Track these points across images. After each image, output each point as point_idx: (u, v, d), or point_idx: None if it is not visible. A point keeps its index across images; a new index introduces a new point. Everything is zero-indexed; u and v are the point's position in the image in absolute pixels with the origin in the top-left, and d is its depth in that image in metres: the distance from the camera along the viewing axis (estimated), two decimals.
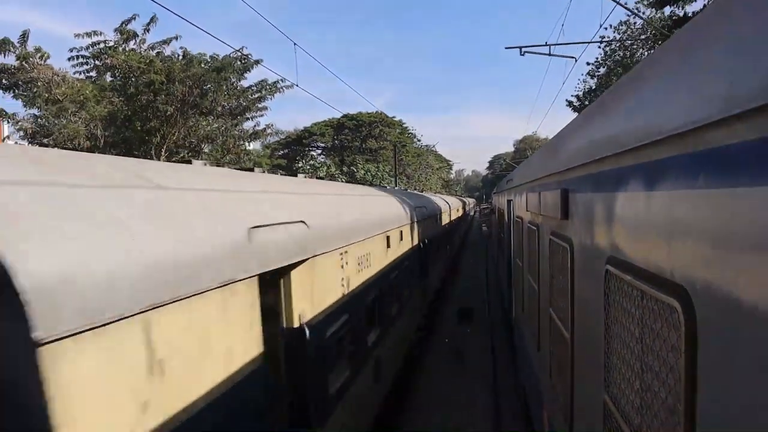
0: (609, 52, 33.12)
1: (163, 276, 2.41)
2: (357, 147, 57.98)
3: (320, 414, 4.80)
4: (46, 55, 23.87)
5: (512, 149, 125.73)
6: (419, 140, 71.13)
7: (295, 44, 15.89)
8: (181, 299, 2.53)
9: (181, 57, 26.53)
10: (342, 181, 29.29)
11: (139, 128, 25.22)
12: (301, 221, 4.39)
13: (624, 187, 2.37)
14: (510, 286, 12.50)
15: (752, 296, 1.28)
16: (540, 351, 5.95)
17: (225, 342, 3.01)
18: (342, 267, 5.79)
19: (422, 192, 33.73)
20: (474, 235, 54.21)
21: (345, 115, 54.11)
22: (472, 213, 72.16)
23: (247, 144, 31.62)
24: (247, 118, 29.50)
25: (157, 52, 26.34)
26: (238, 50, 24.35)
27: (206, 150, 28.11)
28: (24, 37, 23.10)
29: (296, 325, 4.26)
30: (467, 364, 12.71)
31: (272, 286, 4.05)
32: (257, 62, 26.12)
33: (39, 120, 23.13)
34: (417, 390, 11.42)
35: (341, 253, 5.71)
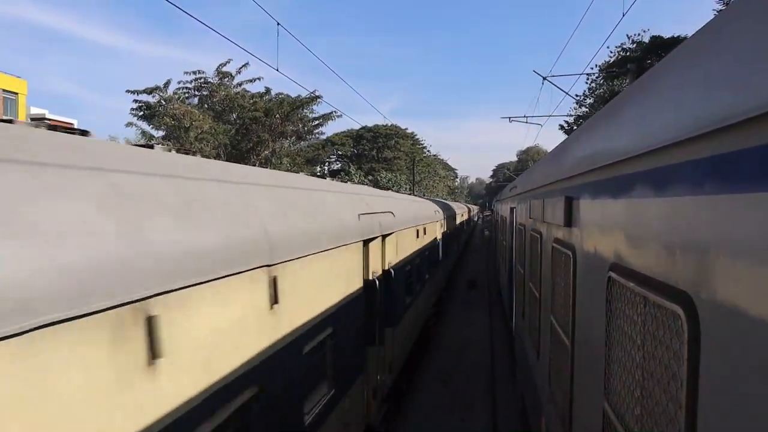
0: (595, 87, 40.60)
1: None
2: (373, 156, 64.82)
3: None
4: (182, 97, 37.04)
5: (515, 159, 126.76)
6: (428, 150, 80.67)
7: (294, 40, 19.53)
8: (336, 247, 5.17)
9: (264, 91, 39.33)
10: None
11: (243, 149, 37.03)
12: (390, 212, 8.81)
13: (628, 195, 2.36)
14: (511, 293, 12.47)
15: (756, 303, 1.28)
16: (540, 359, 5.93)
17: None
18: (417, 235, 11.84)
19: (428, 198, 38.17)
20: (477, 237, 61.90)
21: (363, 127, 60.82)
22: (476, 219, 75.29)
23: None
24: (308, 139, 43.42)
25: (261, 94, 39.13)
26: (313, 92, 37.07)
27: (275, 163, 39.40)
28: (166, 84, 36.01)
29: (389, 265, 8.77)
30: (473, 302, 22.11)
31: (374, 245, 7.60)
32: (320, 98, 38.28)
33: (185, 145, 32.75)
34: (451, 301, 22.36)
35: (416, 228, 11.53)
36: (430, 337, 15.53)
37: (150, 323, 2.17)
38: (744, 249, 1.34)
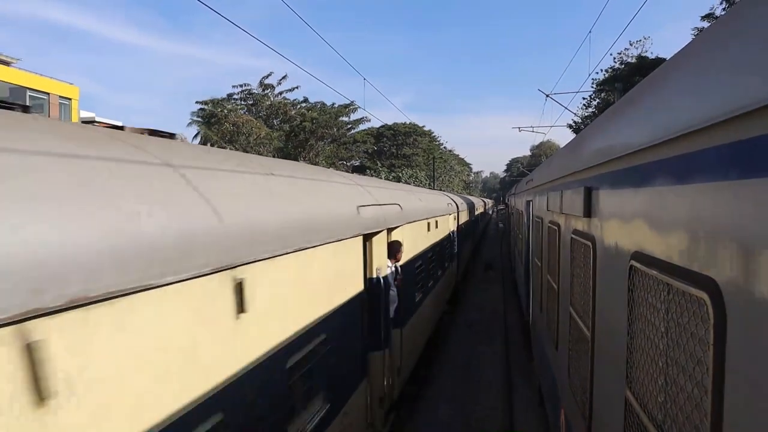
0: (599, 90, 44.29)
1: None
2: (393, 153, 68.83)
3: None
4: (242, 109, 45.64)
5: (529, 154, 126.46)
6: (444, 146, 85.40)
7: (365, 79, 23.45)
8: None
9: (303, 99, 48.84)
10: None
11: (291, 152, 43.64)
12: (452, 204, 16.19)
13: (651, 182, 2.35)
14: (528, 287, 12.42)
15: None
16: (558, 351, 5.92)
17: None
18: (455, 219, 17.51)
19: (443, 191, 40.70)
20: (491, 229, 66.23)
21: (383, 125, 64.93)
22: (490, 212, 77.23)
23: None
24: (341, 141, 49.68)
25: (299, 102, 48.13)
26: (351, 102, 43.83)
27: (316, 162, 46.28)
28: (230, 95, 46.47)
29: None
30: (490, 280, 26.52)
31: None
32: (357, 107, 46.05)
33: (244, 147, 39.49)
34: (473, 278, 26.53)
35: (454, 215, 16.62)
36: (459, 299, 20.90)
37: None
38: None
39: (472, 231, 29.40)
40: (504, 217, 51.47)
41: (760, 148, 1.39)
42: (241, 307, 2.71)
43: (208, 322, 2.46)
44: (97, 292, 1.73)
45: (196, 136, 44.58)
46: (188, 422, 2.26)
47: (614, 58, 42.95)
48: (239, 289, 2.69)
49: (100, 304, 1.76)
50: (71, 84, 43.05)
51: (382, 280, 6.54)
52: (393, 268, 7.67)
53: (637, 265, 2.47)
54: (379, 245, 6.61)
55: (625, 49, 42.74)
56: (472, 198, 38.85)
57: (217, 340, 2.53)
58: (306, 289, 3.82)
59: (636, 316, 2.58)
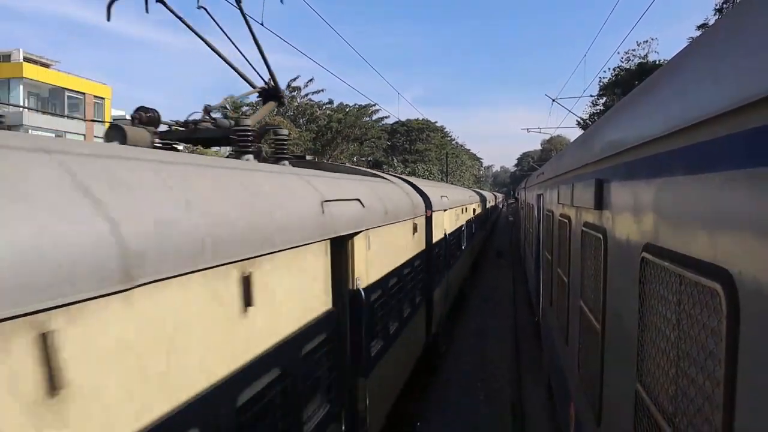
0: (608, 86, 46.10)
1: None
2: (406, 148, 71.03)
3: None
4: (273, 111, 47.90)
5: (539, 148, 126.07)
6: (456, 141, 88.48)
7: (399, 93, 29.35)
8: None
9: (326, 102, 51.84)
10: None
11: (319, 151, 46.99)
12: (478, 195, 29.27)
13: (663, 173, 2.32)
14: (538, 281, 12.37)
15: None
16: (568, 345, 5.89)
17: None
18: (482, 204, 30.06)
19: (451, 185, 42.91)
20: (502, 221, 69.37)
21: (397, 122, 66.49)
22: (500, 206, 78.88)
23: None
24: (362, 140, 54.09)
25: (325, 104, 51.52)
26: (374, 103, 48.98)
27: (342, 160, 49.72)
28: (259, 96, 48.16)
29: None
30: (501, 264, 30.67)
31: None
32: (378, 109, 52.47)
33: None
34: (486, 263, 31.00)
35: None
36: (475, 275, 25.54)
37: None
38: None
39: (487, 217, 38.91)
40: (514, 212, 53.66)
41: None
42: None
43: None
44: (363, 227, 4.86)
45: None
46: None
47: (621, 58, 44.23)
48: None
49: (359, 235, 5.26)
50: (104, 84, 46.22)
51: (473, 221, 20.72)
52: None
53: (649, 256, 2.45)
54: (469, 210, 18.97)
55: (632, 49, 43.42)
56: (485, 193, 44.89)
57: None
58: (462, 214, 17.02)
59: (647, 308, 2.55)
